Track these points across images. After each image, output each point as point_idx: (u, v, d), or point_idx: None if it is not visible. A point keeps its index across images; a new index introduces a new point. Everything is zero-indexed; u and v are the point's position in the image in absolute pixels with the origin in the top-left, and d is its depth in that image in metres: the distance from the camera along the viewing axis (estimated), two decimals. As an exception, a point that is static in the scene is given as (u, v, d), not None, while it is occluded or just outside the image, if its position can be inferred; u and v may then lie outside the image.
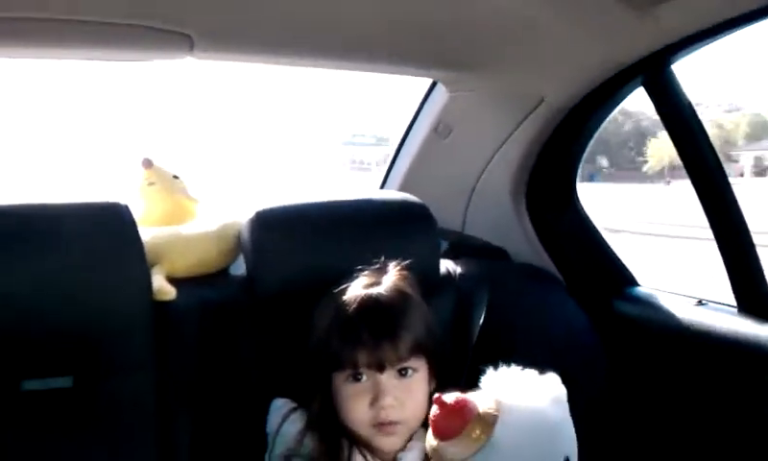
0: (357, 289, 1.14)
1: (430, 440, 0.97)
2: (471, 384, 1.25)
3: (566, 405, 0.97)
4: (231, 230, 1.44)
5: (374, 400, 1.08)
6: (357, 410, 1.09)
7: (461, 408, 0.93)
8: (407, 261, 1.19)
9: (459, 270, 1.53)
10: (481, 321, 1.39)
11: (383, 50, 1.43)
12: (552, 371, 1.44)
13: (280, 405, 1.17)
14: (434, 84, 1.73)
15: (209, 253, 1.42)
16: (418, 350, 1.12)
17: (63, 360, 1.15)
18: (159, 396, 1.21)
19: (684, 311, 1.48)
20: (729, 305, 1.44)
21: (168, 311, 1.26)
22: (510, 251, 1.79)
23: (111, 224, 1.18)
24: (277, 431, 1.13)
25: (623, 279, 1.73)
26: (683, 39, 1.30)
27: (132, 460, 1.17)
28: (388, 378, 1.09)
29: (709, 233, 1.37)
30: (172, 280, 1.31)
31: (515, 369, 0.99)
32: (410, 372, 1.11)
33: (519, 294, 1.62)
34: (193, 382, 1.24)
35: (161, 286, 1.26)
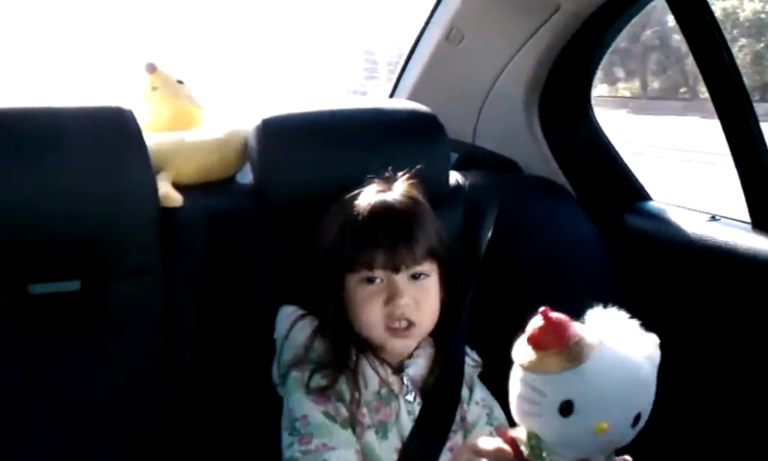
0: (370, 194, 1.13)
1: (520, 351, 0.92)
2: (479, 296, 1.25)
3: (656, 369, 0.95)
4: (238, 138, 1.41)
5: (389, 300, 1.08)
6: (372, 311, 1.09)
7: (565, 326, 0.90)
8: (416, 168, 1.17)
9: (469, 182, 1.51)
10: (490, 232, 1.38)
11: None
12: (562, 283, 1.46)
13: (289, 312, 1.17)
14: (447, -11, 1.66)
15: (215, 159, 1.39)
16: (431, 254, 1.12)
17: (70, 265, 1.14)
18: (167, 301, 1.22)
19: (696, 226, 1.46)
20: (742, 221, 1.41)
21: (175, 218, 1.25)
22: (521, 162, 1.76)
23: (115, 128, 1.16)
24: (286, 336, 1.14)
25: (635, 192, 1.70)
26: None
27: (138, 363, 1.18)
28: (402, 279, 1.09)
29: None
30: (178, 188, 1.30)
31: (623, 314, 0.96)
32: (422, 276, 1.11)
33: (530, 206, 1.61)
34: (201, 288, 1.24)
35: (167, 192, 1.25)
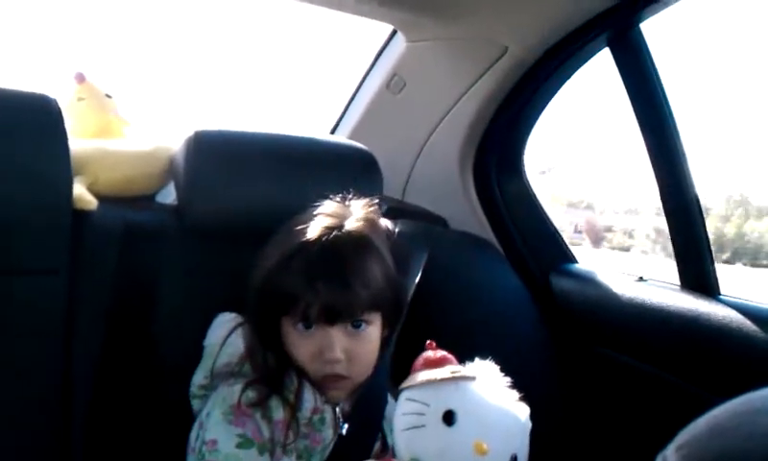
0: (317, 230, 1.03)
1: (407, 379, 0.99)
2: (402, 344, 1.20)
3: (528, 431, 1.01)
4: (163, 153, 1.35)
5: (321, 353, 1.01)
6: (304, 357, 1.03)
7: (448, 355, 1.00)
8: (375, 199, 1.11)
9: (397, 230, 1.47)
10: (417, 280, 1.34)
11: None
12: (486, 338, 1.42)
13: (229, 318, 1.10)
14: (393, 34, 1.66)
15: (137, 172, 1.33)
16: (374, 304, 1.04)
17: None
18: (71, 305, 1.12)
19: (624, 288, 1.46)
20: (670, 283, 1.42)
21: (89, 223, 1.16)
22: (451, 216, 1.74)
23: (37, 114, 1.07)
24: (225, 341, 1.07)
25: (561, 254, 1.70)
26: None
27: (30, 366, 1.09)
28: (338, 331, 1.02)
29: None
30: (95, 197, 1.21)
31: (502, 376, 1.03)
32: (363, 325, 1.04)
33: (458, 259, 1.58)
34: (106, 298, 1.15)
35: (82, 194, 1.16)
